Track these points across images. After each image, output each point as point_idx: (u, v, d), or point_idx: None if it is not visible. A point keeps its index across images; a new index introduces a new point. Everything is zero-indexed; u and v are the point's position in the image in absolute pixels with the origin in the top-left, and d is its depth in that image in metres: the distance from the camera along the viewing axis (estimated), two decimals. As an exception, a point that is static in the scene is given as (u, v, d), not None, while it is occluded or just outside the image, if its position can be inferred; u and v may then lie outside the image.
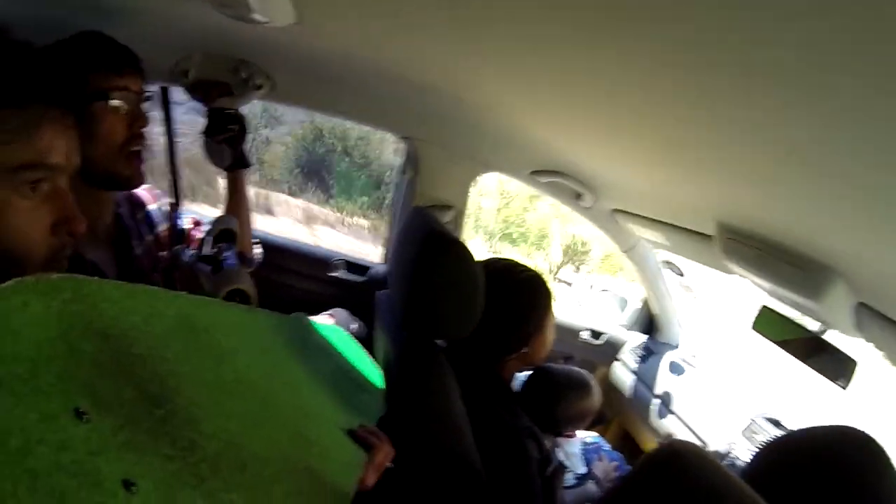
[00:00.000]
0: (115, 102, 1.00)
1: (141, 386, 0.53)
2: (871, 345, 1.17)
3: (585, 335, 2.27)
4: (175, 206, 1.34)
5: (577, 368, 1.56)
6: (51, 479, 0.36)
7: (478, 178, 1.78)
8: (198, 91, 1.36)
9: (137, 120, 1.05)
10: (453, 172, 1.73)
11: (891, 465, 0.79)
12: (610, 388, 2.28)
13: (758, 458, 0.90)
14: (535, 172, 1.69)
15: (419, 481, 0.99)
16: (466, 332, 1.15)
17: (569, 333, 2.24)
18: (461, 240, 1.68)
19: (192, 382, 0.62)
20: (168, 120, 1.47)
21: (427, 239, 1.12)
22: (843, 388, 1.33)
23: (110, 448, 0.43)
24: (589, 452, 1.65)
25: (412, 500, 0.97)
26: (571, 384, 1.48)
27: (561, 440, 1.62)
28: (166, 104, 1.45)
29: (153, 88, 1.19)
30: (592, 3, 0.52)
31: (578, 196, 1.74)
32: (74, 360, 0.47)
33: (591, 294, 2.51)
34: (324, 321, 1.58)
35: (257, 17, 0.87)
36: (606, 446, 1.70)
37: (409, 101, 1.46)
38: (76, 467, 0.39)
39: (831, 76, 0.45)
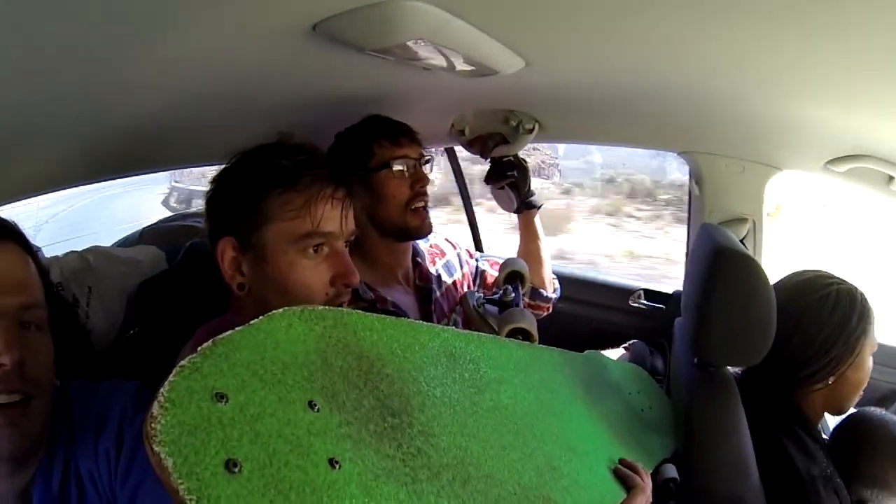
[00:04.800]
0: (396, 168, 1.21)
1: (383, 399, 0.60)
2: None
3: None
4: (474, 251, 1.52)
5: None
6: (270, 440, 0.46)
7: (769, 182, 1.56)
8: (475, 145, 1.53)
9: (419, 181, 1.24)
10: (742, 181, 1.57)
11: None
12: None
13: None
14: (832, 161, 1.43)
15: None
16: (757, 358, 1.03)
17: None
18: (758, 253, 1.51)
19: (441, 404, 0.67)
20: (458, 174, 1.67)
21: (713, 256, 1.05)
22: None
23: (329, 434, 0.51)
24: None
25: None
26: (887, 439, 1.11)
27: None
28: (454, 161, 1.66)
29: (434, 151, 1.39)
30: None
31: (889, 179, 1.39)
32: (323, 369, 0.56)
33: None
34: (619, 355, 1.56)
35: (490, 69, 0.96)
36: None
37: (683, 114, 1.39)
38: (294, 439, 0.48)
39: None
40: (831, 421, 1.26)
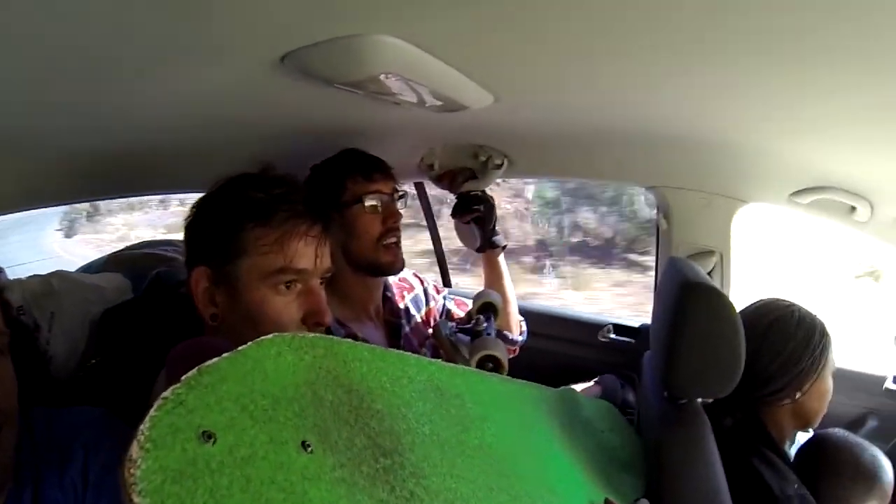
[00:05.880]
0: (369, 204, 1.20)
1: (374, 437, 0.58)
2: None
3: (893, 385, 1.77)
4: (442, 287, 1.50)
5: (865, 445, 1.19)
6: (262, 487, 0.43)
7: (736, 215, 1.59)
8: (444, 180, 1.53)
9: (391, 216, 1.23)
10: (709, 214, 1.59)
11: None
12: None
13: None
14: (796, 193, 1.47)
15: None
16: (727, 389, 1.03)
17: (870, 384, 1.78)
18: (726, 286, 1.54)
19: (430, 442, 0.66)
20: (427, 209, 1.66)
21: (680, 290, 1.05)
22: None
23: (324, 479, 0.48)
24: None
25: None
26: (850, 462, 1.15)
27: None
28: (423, 197, 1.66)
29: (406, 187, 1.39)
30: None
31: (851, 209, 1.45)
32: (314, 404, 0.53)
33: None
34: (590, 390, 1.55)
35: (460, 104, 0.97)
36: None
37: (650, 149, 1.42)
38: (288, 485, 0.45)
39: None
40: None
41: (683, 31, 0.67)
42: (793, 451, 1.23)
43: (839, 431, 1.25)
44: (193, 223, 0.88)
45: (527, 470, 0.81)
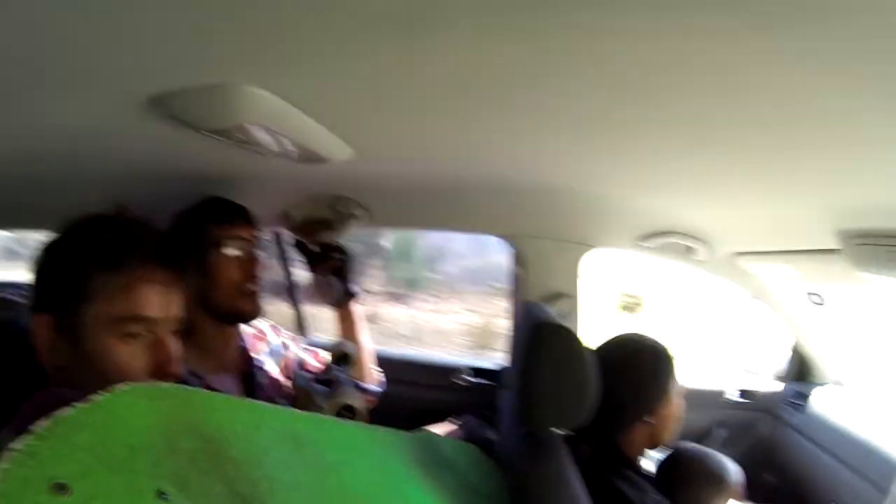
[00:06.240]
0: (228, 250, 1.19)
1: (232, 485, 0.57)
2: None
3: (734, 396, 2.11)
4: (297, 337, 1.50)
5: (712, 453, 1.39)
6: None
7: (583, 259, 1.76)
8: (301, 230, 1.55)
9: (251, 263, 1.22)
10: (558, 260, 1.73)
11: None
12: (773, 446, 2.10)
13: None
14: (641, 238, 1.67)
15: None
16: (583, 419, 1.11)
17: (714, 399, 2.09)
18: (575, 325, 1.68)
19: (289, 489, 0.65)
20: (284, 259, 1.66)
21: (533, 330, 1.12)
22: None
23: None
24: None
25: None
26: (700, 470, 1.33)
27: None
28: (280, 246, 1.66)
29: (266, 235, 1.39)
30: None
31: (690, 250, 1.68)
32: (171, 452, 0.52)
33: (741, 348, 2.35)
34: (452, 432, 1.60)
35: (320, 156, 1.01)
36: None
37: (504, 201, 1.51)
38: None
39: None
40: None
41: (538, 91, 0.71)
42: (652, 467, 1.37)
43: (693, 445, 1.43)
44: (41, 266, 0.82)
45: None
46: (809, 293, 1.88)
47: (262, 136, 0.87)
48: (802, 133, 0.76)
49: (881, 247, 1.11)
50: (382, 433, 1.02)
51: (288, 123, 0.83)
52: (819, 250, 1.36)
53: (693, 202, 1.36)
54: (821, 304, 1.90)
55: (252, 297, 1.23)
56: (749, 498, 1.56)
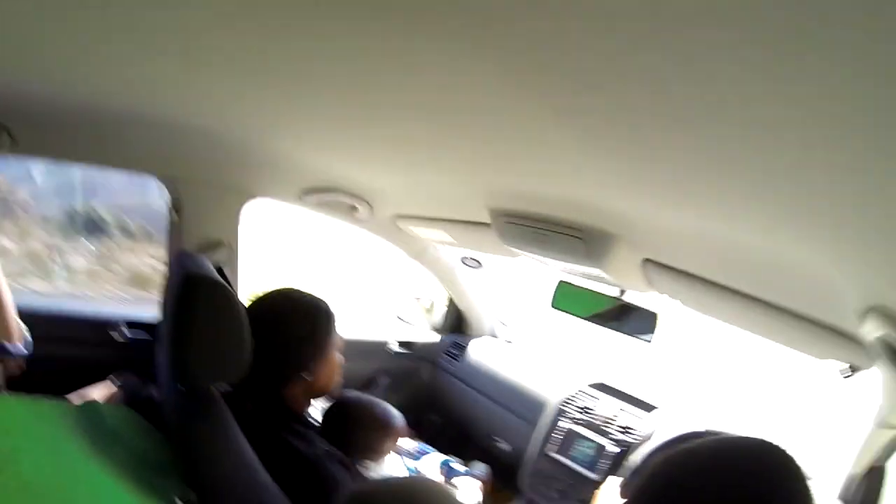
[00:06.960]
0: None
1: None
2: (664, 295, 1.32)
3: (395, 347, 2.29)
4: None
5: (375, 400, 1.48)
6: None
7: (244, 207, 1.69)
8: None
9: None
10: (219, 207, 1.63)
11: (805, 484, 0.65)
12: (435, 391, 2.36)
13: (657, 473, 0.75)
14: (305, 192, 1.66)
15: None
16: (240, 373, 1.07)
17: (377, 349, 2.24)
18: (235, 275, 1.64)
19: None
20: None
21: (183, 283, 1.04)
22: (649, 342, 1.46)
23: None
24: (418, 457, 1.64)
25: None
26: (363, 416, 1.41)
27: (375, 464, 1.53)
28: None
29: None
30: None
31: (354, 209, 1.74)
32: None
33: (399, 303, 2.57)
34: (109, 391, 1.41)
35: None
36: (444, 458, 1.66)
37: (164, 140, 1.38)
38: None
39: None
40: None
41: (167, 10, 0.63)
42: (318, 415, 1.39)
43: (354, 392, 1.50)
44: None
45: (78, 497, 0.76)
46: (463, 258, 2.13)
47: None
48: (460, 120, 0.81)
49: (522, 226, 1.27)
50: (48, 408, 0.91)
51: None
52: (473, 222, 1.52)
53: (357, 164, 1.39)
54: (478, 267, 2.16)
55: None
56: (418, 437, 1.75)
